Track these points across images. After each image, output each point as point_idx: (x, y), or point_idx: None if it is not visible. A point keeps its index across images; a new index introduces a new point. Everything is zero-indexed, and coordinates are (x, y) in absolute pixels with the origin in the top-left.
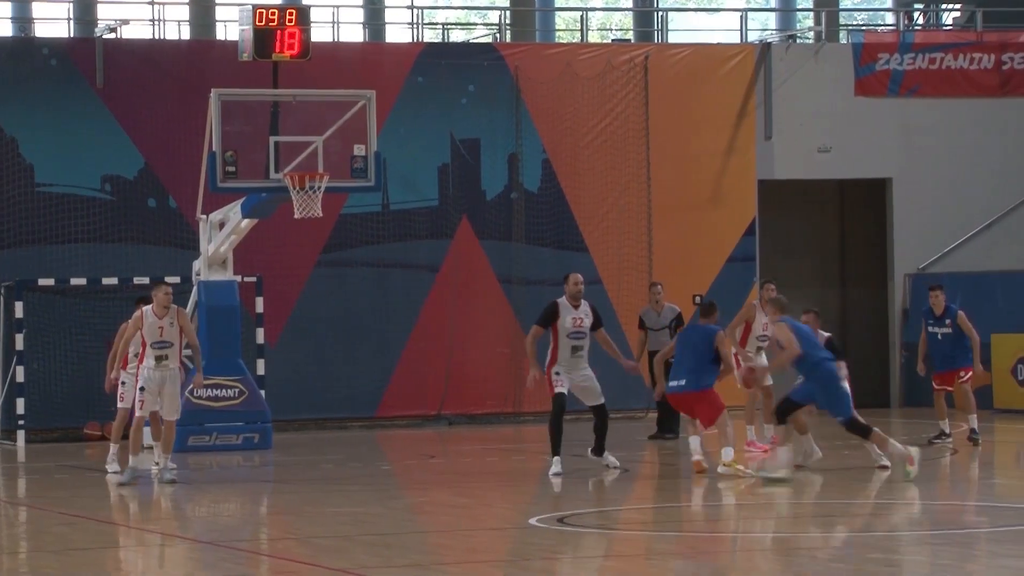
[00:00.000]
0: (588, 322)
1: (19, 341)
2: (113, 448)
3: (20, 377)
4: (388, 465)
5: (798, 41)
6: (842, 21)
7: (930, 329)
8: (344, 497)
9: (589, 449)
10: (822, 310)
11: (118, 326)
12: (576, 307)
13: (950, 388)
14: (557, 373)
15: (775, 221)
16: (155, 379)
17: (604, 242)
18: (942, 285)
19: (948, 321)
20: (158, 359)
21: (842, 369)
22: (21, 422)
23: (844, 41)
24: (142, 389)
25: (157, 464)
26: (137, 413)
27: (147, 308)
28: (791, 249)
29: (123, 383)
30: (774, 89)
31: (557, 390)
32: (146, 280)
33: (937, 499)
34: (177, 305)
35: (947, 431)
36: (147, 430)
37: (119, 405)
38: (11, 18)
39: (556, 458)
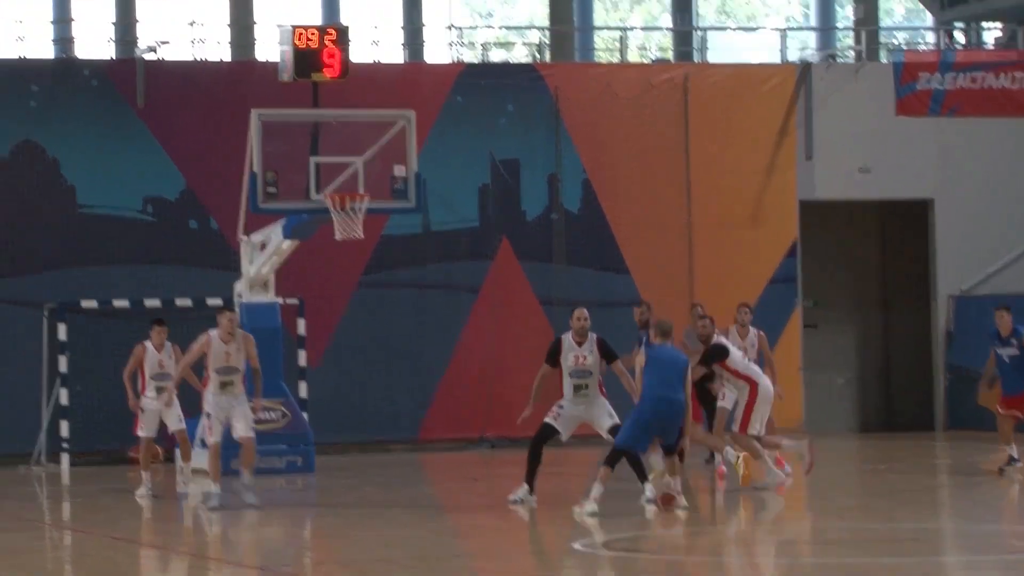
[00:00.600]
0: (592, 360)
1: (62, 363)
2: (145, 476)
3: (64, 400)
4: (430, 488)
5: (838, 60)
6: (882, 40)
7: (997, 351)
8: (387, 520)
9: (645, 493)
10: (864, 331)
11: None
12: (580, 343)
13: (1020, 414)
14: (560, 406)
15: (816, 241)
16: (221, 405)
17: (645, 263)
18: (1008, 306)
19: (1015, 342)
20: (223, 385)
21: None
22: (65, 445)
23: (885, 60)
24: (208, 416)
25: (182, 483)
26: (209, 440)
27: (213, 333)
28: (832, 270)
29: (142, 411)
30: (814, 109)
31: (546, 420)
32: (188, 302)
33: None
34: (243, 331)
35: (1016, 456)
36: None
37: (140, 433)
38: (53, 39)
39: (524, 487)
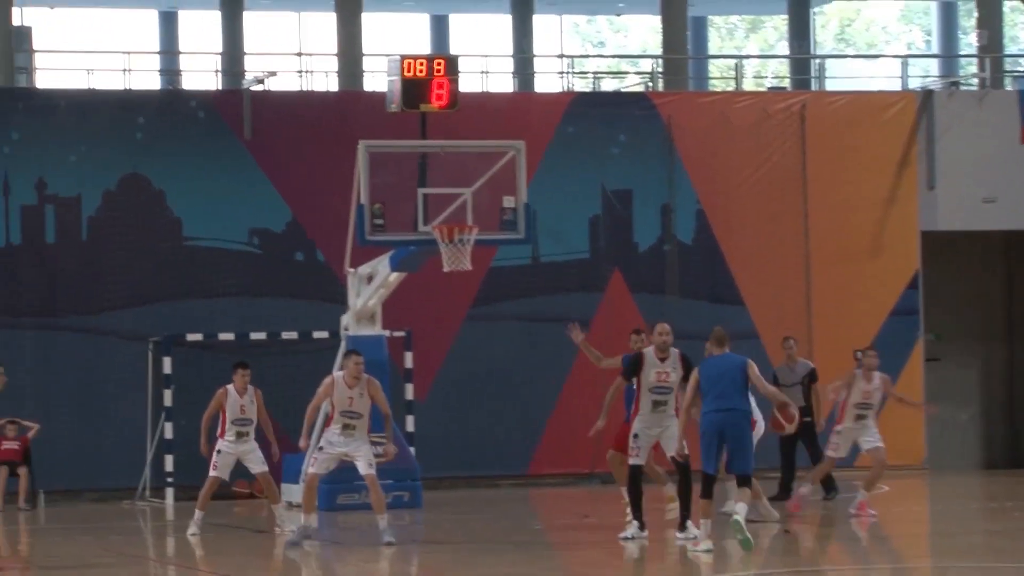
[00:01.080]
0: (675, 377)
1: (167, 397)
2: (198, 514)
3: (168, 434)
4: (540, 524)
5: (961, 88)
6: (1007, 67)
7: None
8: (496, 557)
9: (676, 530)
10: (988, 365)
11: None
12: (663, 360)
13: None
14: (636, 436)
15: (939, 273)
16: (338, 444)
17: (761, 295)
18: None
19: None
20: (345, 427)
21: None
22: (170, 479)
23: (1009, 88)
24: (321, 448)
25: (278, 527)
26: (309, 471)
27: (338, 376)
28: (955, 302)
29: (219, 452)
30: (937, 137)
31: (632, 461)
32: (294, 335)
33: None
34: (369, 375)
35: None
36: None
37: (212, 473)
38: (159, 70)
39: (635, 523)
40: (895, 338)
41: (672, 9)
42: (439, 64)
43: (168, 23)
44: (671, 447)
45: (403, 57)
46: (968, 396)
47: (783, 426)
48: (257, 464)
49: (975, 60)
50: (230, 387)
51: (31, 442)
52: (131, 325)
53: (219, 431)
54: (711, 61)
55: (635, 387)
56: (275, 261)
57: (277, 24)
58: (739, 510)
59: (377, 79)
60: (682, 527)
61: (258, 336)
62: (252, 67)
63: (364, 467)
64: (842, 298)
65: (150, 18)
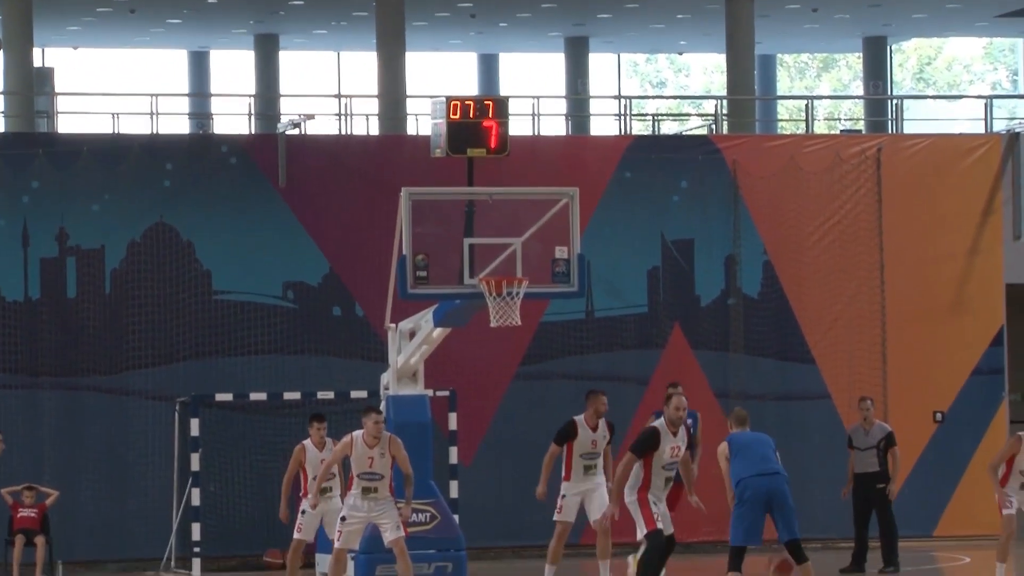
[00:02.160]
0: (683, 449)
1: (195, 461)
2: None
3: (196, 500)
4: None
5: None
6: None
7: None
8: None
9: None
10: None
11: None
12: (675, 434)
13: None
14: (655, 503)
15: None
16: (361, 509)
17: (833, 353)
18: None
19: None
20: (365, 491)
21: None
22: (197, 549)
23: None
24: (343, 519)
25: None
26: (336, 545)
27: (357, 435)
28: None
29: (303, 512)
30: (1023, 184)
31: (659, 526)
32: (331, 395)
33: None
34: (390, 433)
35: None
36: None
37: (296, 536)
38: (189, 114)
39: None
40: (978, 399)
41: (738, 46)
42: (488, 105)
43: (198, 64)
44: (667, 525)
45: (449, 99)
46: None
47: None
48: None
49: None
50: (307, 443)
51: (49, 509)
52: (157, 385)
53: (301, 491)
54: (780, 102)
55: (643, 464)
56: (311, 316)
57: (314, 64)
58: None
59: (421, 122)
60: None
61: (292, 396)
62: (288, 110)
63: (392, 532)
64: (920, 357)
65: (179, 59)
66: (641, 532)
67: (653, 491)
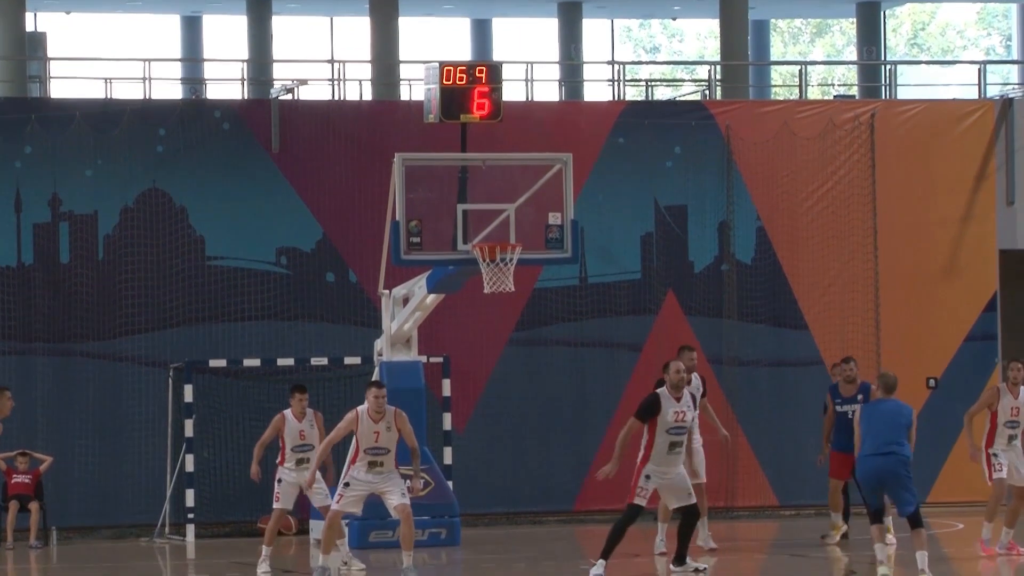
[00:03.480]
0: (691, 415)
1: (188, 427)
2: (266, 550)
3: (190, 466)
4: (586, 564)
5: None
6: None
7: None
8: None
9: (669, 562)
10: None
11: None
12: (678, 399)
13: None
14: (647, 477)
15: (1019, 295)
16: (365, 480)
17: (826, 319)
18: None
19: None
20: (371, 464)
21: None
22: (191, 515)
23: None
24: (347, 485)
25: (345, 564)
26: (334, 506)
27: (362, 410)
28: None
29: (279, 481)
30: (1017, 149)
31: (636, 501)
32: (324, 361)
33: None
34: (395, 407)
35: None
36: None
37: (276, 506)
38: (181, 79)
39: (602, 561)
40: (971, 365)
41: (731, 12)
42: (481, 71)
43: (191, 28)
44: (681, 497)
45: (442, 64)
46: None
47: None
48: (321, 499)
49: None
50: (287, 412)
51: (43, 475)
52: (150, 351)
53: (279, 459)
54: (773, 68)
55: (648, 430)
56: (304, 282)
57: (307, 29)
58: (919, 560)
59: (414, 88)
60: (680, 560)
61: (286, 362)
62: (280, 75)
63: (397, 498)
64: (913, 322)
65: (172, 23)
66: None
67: (656, 458)
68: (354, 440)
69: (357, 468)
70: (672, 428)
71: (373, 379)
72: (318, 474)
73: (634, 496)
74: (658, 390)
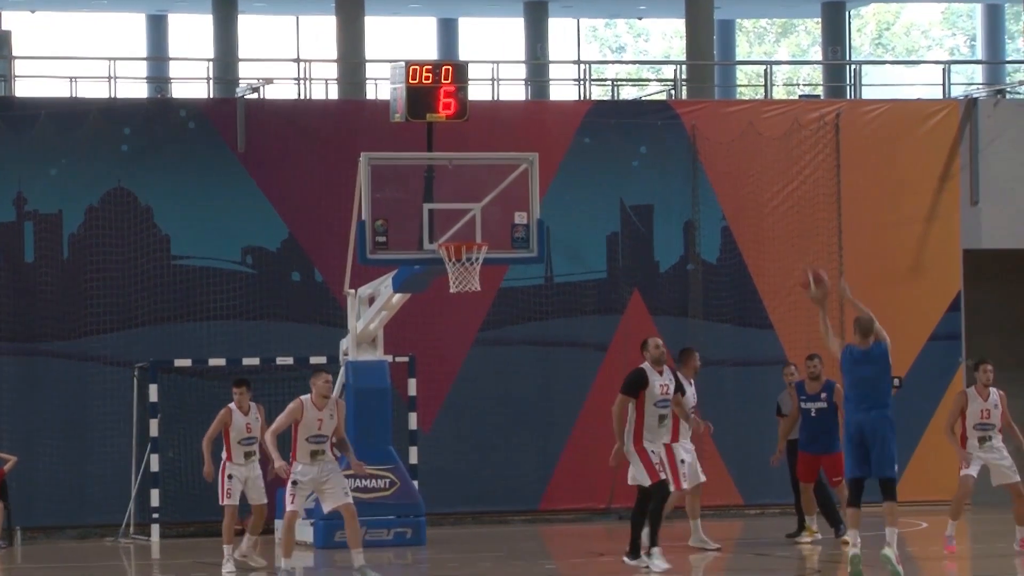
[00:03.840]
0: (672, 389)
1: (153, 427)
2: (227, 549)
3: (154, 466)
4: (552, 564)
5: (1007, 96)
6: None
7: None
8: None
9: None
10: None
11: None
12: (660, 372)
13: None
14: (653, 452)
15: (982, 295)
16: (310, 475)
17: (791, 318)
18: None
19: None
20: (313, 454)
21: None
22: (155, 515)
23: None
24: (295, 483)
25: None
26: (288, 508)
27: (306, 399)
28: (1001, 326)
29: (230, 477)
30: (981, 149)
31: (661, 476)
32: (290, 360)
33: None
34: (337, 397)
35: None
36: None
37: (227, 502)
38: (147, 78)
39: (656, 549)
40: (935, 365)
41: (697, 12)
42: (447, 71)
43: (156, 27)
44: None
45: (408, 63)
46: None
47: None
48: (258, 495)
49: (1022, 66)
50: (232, 406)
51: (8, 475)
52: (115, 350)
53: (224, 455)
54: (739, 67)
55: (636, 406)
56: (270, 281)
57: (273, 28)
58: (889, 536)
59: (380, 87)
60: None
61: (251, 361)
62: (246, 74)
63: (340, 496)
64: (878, 321)
65: (137, 22)
66: (647, 482)
67: (648, 433)
68: (293, 432)
69: (299, 462)
70: (659, 401)
71: (318, 366)
72: (258, 468)
73: (655, 474)
74: (642, 365)
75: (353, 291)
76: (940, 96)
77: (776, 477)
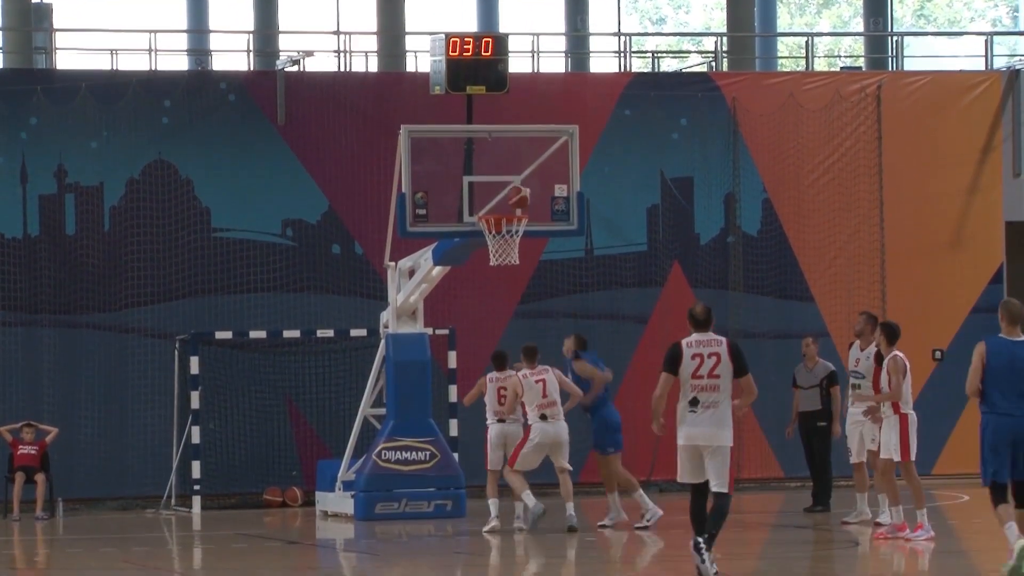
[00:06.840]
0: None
1: (194, 399)
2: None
3: (196, 438)
4: (592, 536)
5: None
6: None
7: None
8: (545, 570)
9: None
10: None
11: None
12: None
13: None
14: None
15: None
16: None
17: (832, 291)
18: None
19: None
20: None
21: None
22: (197, 487)
23: None
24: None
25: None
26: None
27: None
28: None
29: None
30: (1023, 121)
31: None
32: (330, 333)
33: None
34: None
35: None
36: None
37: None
38: (187, 51)
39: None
40: (977, 337)
41: None
42: (487, 43)
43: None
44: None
45: (448, 36)
46: None
47: None
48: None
49: None
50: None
51: (49, 447)
52: (156, 322)
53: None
54: (780, 39)
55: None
56: (310, 254)
57: (313, 1)
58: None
59: (420, 59)
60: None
61: (292, 334)
62: (286, 47)
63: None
64: (920, 294)
65: None
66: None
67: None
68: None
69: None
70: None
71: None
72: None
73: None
74: (681, 340)
75: (393, 263)
76: (982, 68)
77: None
